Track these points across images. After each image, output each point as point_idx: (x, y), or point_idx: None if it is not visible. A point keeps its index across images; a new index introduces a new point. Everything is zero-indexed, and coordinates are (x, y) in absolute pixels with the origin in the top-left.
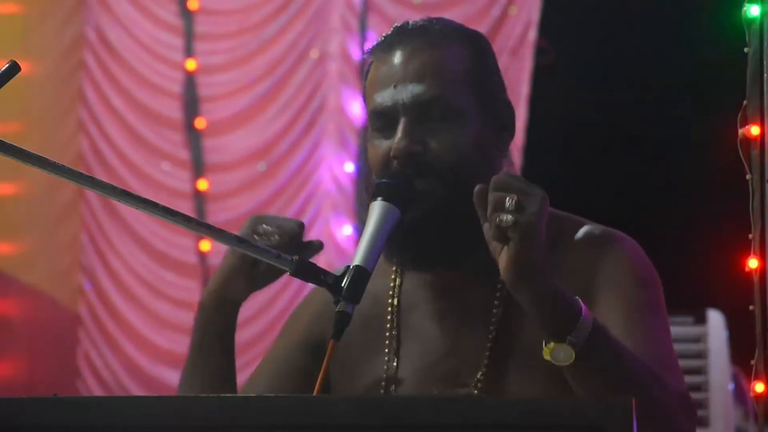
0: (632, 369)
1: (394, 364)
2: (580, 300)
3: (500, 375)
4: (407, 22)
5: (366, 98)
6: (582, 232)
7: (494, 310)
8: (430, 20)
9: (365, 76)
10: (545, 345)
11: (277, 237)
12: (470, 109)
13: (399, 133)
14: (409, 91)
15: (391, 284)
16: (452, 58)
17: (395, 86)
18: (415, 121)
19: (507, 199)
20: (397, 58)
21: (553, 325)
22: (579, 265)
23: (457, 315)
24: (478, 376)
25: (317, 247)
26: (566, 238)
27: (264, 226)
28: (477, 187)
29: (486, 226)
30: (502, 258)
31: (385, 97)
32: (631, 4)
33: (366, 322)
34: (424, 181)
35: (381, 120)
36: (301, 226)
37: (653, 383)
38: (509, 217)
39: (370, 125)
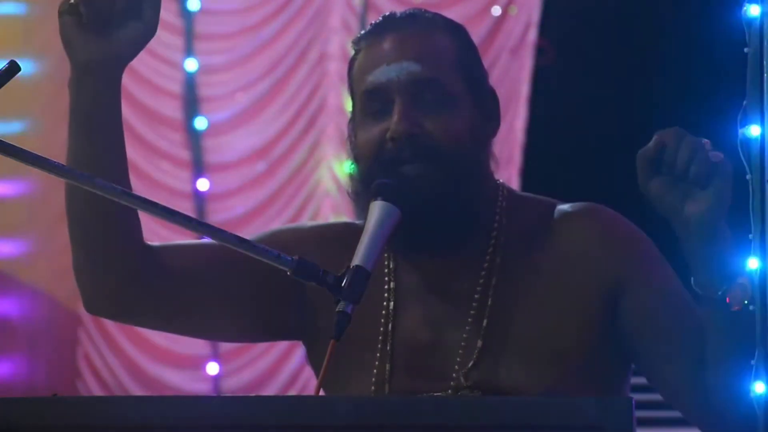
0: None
1: (388, 354)
2: None
3: (491, 366)
4: (395, 12)
5: (354, 84)
6: (559, 213)
7: (477, 296)
8: (418, 10)
9: (350, 66)
10: (720, 289)
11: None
12: (462, 95)
13: (396, 115)
14: (404, 69)
15: (385, 270)
16: (443, 45)
17: (388, 64)
18: (410, 103)
19: (703, 141)
20: (388, 42)
21: (728, 267)
22: (570, 247)
23: (447, 304)
24: (468, 367)
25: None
26: (545, 222)
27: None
28: (653, 142)
29: (657, 183)
30: (701, 202)
31: (377, 75)
32: (631, 4)
33: (361, 304)
34: (419, 166)
35: (373, 101)
36: None
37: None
38: (718, 154)
39: (360, 109)
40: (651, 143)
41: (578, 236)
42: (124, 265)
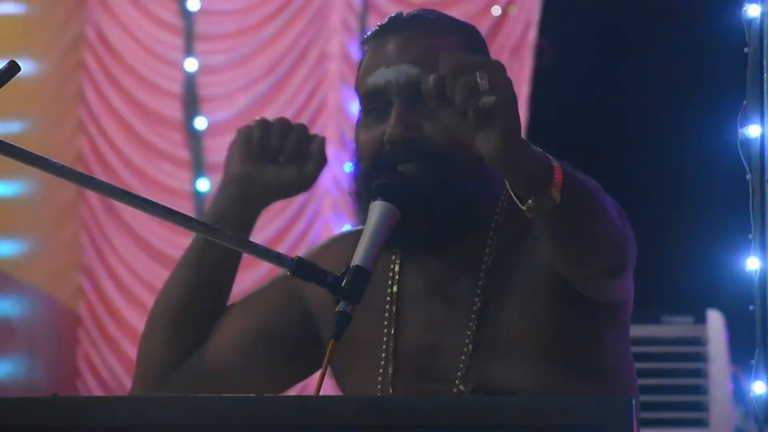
0: (597, 200)
1: (391, 358)
2: (540, 150)
3: (485, 367)
4: (401, 13)
5: (359, 85)
6: None
7: (476, 299)
8: (424, 10)
9: (358, 66)
10: (527, 203)
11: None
12: None
13: (393, 118)
14: (403, 71)
15: (390, 273)
16: (447, 47)
17: (388, 66)
18: (408, 105)
19: (478, 79)
20: (392, 44)
21: (535, 182)
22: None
23: (447, 307)
24: (463, 369)
25: (318, 152)
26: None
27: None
28: (432, 78)
29: (447, 114)
30: (487, 141)
31: (377, 77)
32: (631, 4)
33: (364, 309)
34: (416, 166)
35: (373, 102)
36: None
37: (611, 215)
38: (490, 98)
39: (362, 110)
40: (431, 79)
41: None
42: (184, 348)
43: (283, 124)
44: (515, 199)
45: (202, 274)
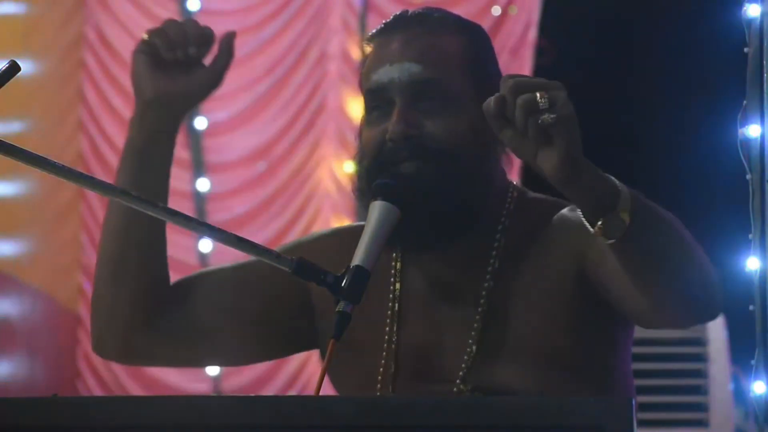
0: (675, 228)
1: (392, 356)
2: (608, 174)
3: (488, 368)
4: (406, 11)
5: (362, 82)
6: (558, 214)
7: (481, 300)
8: (429, 9)
9: (362, 64)
10: (595, 226)
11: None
12: (467, 96)
13: (395, 116)
14: (405, 70)
15: (392, 271)
16: (451, 45)
17: (391, 64)
18: (410, 103)
19: (538, 97)
20: (396, 42)
21: (601, 203)
22: (566, 246)
23: (451, 307)
24: (465, 370)
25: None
26: (545, 224)
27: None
28: (493, 98)
29: (509, 134)
30: (548, 159)
31: (380, 74)
32: (631, 4)
33: (365, 307)
34: (417, 165)
35: (376, 100)
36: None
37: (696, 248)
38: (550, 115)
39: (365, 107)
40: (493, 99)
41: (562, 232)
42: (149, 303)
43: (174, 22)
44: (586, 224)
45: (157, 223)
